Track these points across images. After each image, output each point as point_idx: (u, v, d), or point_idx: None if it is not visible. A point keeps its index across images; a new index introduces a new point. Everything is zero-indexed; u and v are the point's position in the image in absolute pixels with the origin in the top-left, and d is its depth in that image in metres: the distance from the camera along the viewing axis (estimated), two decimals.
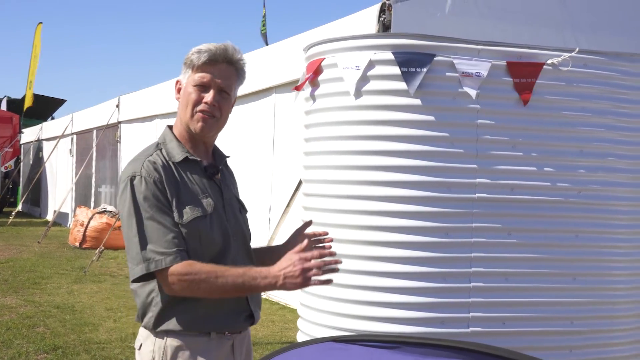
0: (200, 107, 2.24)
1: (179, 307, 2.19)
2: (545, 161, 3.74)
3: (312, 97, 4.05)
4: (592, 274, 3.85)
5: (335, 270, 2.07)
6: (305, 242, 2.16)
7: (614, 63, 3.87)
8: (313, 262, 2.05)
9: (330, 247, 2.49)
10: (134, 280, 2.17)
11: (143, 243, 2.13)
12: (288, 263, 2.07)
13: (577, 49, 3.75)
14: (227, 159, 2.47)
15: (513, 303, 3.70)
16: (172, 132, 2.32)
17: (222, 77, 2.24)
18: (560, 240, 3.77)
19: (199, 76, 2.24)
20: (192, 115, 2.25)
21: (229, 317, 2.25)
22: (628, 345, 3.95)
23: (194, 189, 2.24)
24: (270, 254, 2.46)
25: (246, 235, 2.38)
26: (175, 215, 2.16)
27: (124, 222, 2.19)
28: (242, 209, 2.43)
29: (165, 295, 2.18)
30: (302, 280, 2.05)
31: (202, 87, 2.24)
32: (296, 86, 4.20)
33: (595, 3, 7.34)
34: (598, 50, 3.94)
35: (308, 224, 2.54)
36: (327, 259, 2.06)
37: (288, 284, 2.06)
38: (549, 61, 3.72)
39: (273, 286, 2.08)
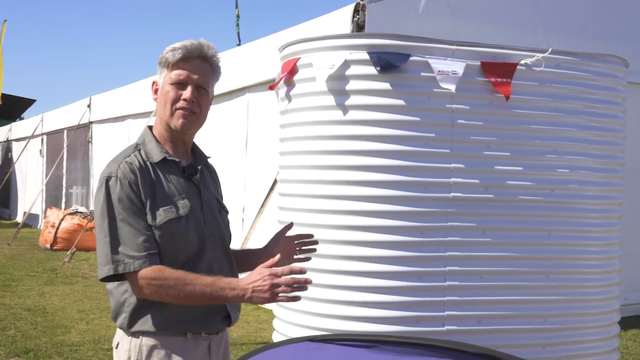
0: (179, 104, 2.22)
1: (153, 307, 2.17)
2: (519, 160, 3.78)
3: (288, 97, 4.04)
4: (564, 272, 3.90)
5: (304, 289, 2.07)
6: (278, 256, 2.15)
7: (586, 63, 3.92)
8: (283, 278, 2.04)
9: (315, 251, 2.50)
10: (102, 280, 2.16)
11: (114, 244, 2.12)
12: (258, 277, 2.06)
13: (550, 50, 3.78)
14: (208, 159, 2.45)
15: (488, 301, 3.73)
16: (152, 133, 2.30)
17: (198, 72, 2.23)
18: (534, 238, 3.81)
19: (175, 74, 2.22)
20: (172, 113, 2.22)
21: (204, 318, 2.24)
22: (600, 342, 4.00)
23: (171, 190, 2.22)
24: (251, 257, 2.45)
25: (225, 236, 2.36)
26: (149, 217, 2.14)
27: (97, 222, 2.17)
28: (223, 210, 2.41)
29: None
30: (270, 295, 2.04)
31: (180, 85, 2.22)
32: (270, 85, 4.19)
33: (565, 5, 7.44)
34: (569, 50, 3.99)
35: (289, 226, 2.53)
36: (297, 276, 2.06)
37: (255, 298, 2.05)
38: (523, 61, 3.75)
39: (241, 298, 2.08)
